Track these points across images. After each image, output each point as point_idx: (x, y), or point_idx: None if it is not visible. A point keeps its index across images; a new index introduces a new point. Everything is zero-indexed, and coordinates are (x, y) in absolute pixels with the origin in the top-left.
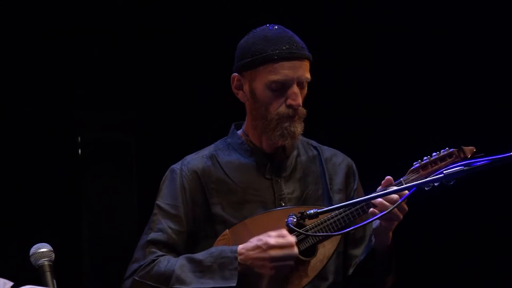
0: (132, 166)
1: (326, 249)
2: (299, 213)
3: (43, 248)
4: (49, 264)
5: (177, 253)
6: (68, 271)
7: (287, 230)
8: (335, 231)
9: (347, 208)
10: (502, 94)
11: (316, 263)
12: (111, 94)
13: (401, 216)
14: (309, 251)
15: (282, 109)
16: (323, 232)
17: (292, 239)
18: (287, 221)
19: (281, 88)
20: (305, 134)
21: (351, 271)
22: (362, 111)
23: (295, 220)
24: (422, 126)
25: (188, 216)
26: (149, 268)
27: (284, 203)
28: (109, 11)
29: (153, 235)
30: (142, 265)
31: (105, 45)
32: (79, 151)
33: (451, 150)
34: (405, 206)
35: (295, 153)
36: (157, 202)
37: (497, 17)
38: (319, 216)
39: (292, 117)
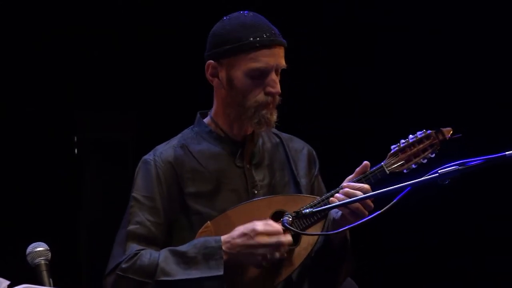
0: (130, 166)
1: (309, 237)
2: (294, 212)
3: (40, 247)
4: (46, 263)
5: (157, 246)
6: (66, 270)
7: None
8: (314, 222)
9: (324, 203)
10: (502, 94)
11: (300, 251)
12: (110, 94)
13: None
14: (293, 240)
15: (261, 96)
16: (307, 223)
17: (279, 226)
18: (282, 221)
19: (260, 76)
20: (305, 133)
21: (312, 253)
22: (361, 111)
23: (290, 219)
24: (420, 125)
25: (165, 208)
26: (132, 262)
27: (257, 190)
28: (109, 11)
29: (131, 228)
30: (123, 259)
31: (104, 45)
32: (76, 150)
33: (428, 132)
34: (371, 204)
35: (260, 140)
36: (133, 194)
37: (495, 17)
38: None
39: (269, 105)
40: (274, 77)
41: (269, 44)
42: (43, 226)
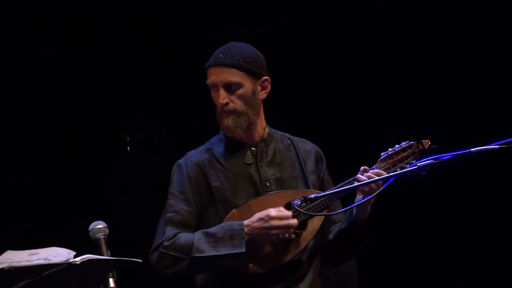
0: (166, 164)
1: (314, 223)
2: (302, 197)
3: (100, 224)
4: (104, 238)
5: (190, 229)
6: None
7: (292, 210)
8: (321, 210)
9: (334, 192)
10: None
11: (306, 235)
12: (158, 104)
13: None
14: (301, 226)
15: (217, 108)
16: (314, 210)
17: (289, 212)
18: (293, 203)
19: (215, 90)
20: (303, 132)
21: (331, 236)
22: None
23: (299, 202)
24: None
25: (195, 200)
26: (171, 241)
27: (269, 183)
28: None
29: (169, 216)
30: (164, 239)
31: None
32: (128, 148)
33: (411, 142)
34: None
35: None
36: (170, 190)
37: (493, 17)
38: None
39: (221, 114)
40: (220, 92)
41: (212, 65)
42: (101, 208)
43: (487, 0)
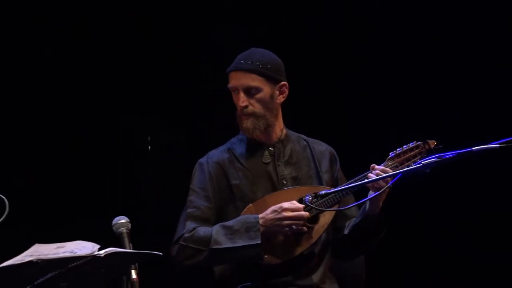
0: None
1: (326, 217)
2: (313, 193)
3: (122, 219)
4: (127, 232)
5: (209, 224)
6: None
7: (304, 205)
8: (332, 205)
9: (343, 188)
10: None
11: (318, 228)
12: (152, 100)
13: (387, 190)
14: (313, 220)
15: (237, 110)
16: (325, 205)
17: (301, 205)
18: (304, 199)
19: (236, 94)
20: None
21: (346, 231)
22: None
23: (310, 198)
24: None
25: (215, 196)
26: (191, 234)
27: (285, 181)
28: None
29: (190, 211)
30: (184, 232)
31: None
32: (149, 147)
33: (418, 142)
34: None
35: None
36: (191, 186)
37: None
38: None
39: (240, 116)
40: (241, 95)
41: (232, 69)
42: (121, 204)
43: (487, 0)
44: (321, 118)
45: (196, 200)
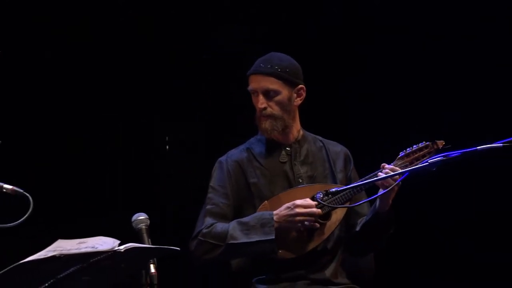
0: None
1: (338, 214)
2: (324, 190)
3: (141, 216)
4: (146, 228)
5: (226, 220)
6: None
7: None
8: (344, 202)
9: (354, 186)
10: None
11: (330, 224)
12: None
13: (396, 188)
14: (325, 216)
15: (257, 112)
16: (337, 202)
17: (313, 202)
18: (315, 196)
19: (255, 96)
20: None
21: (358, 228)
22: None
23: (321, 195)
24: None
25: (233, 194)
26: (209, 230)
27: (301, 179)
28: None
29: (208, 208)
30: (202, 228)
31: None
32: (167, 147)
33: (427, 143)
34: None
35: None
36: (211, 184)
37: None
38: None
39: (259, 117)
40: (260, 97)
41: (252, 72)
42: (141, 202)
43: (487, 0)
44: (321, 118)
45: (215, 197)
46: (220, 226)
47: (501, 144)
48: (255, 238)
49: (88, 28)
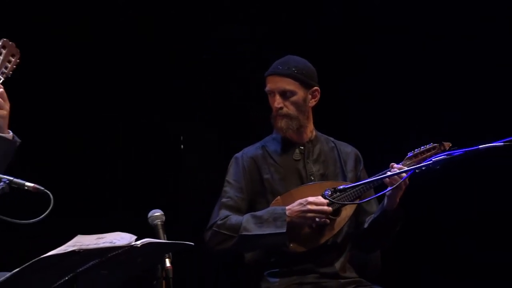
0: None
1: (347, 210)
2: (332, 188)
3: (157, 212)
4: (162, 224)
5: (241, 213)
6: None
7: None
8: (353, 199)
9: (363, 184)
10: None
11: (340, 220)
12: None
13: (403, 187)
14: (335, 213)
15: (273, 111)
16: (347, 199)
17: (325, 200)
18: (324, 194)
19: (272, 96)
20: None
21: (366, 225)
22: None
23: (330, 192)
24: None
25: (248, 188)
26: (223, 221)
27: (313, 177)
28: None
29: (224, 201)
30: (217, 220)
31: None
32: (182, 146)
33: (434, 144)
34: (406, 181)
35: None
36: (226, 178)
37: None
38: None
39: (275, 117)
40: (276, 97)
41: (270, 74)
42: (158, 198)
43: (487, 0)
44: (321, 118)
45: (230, 191)
46: (235, 218)
47: (502, 143)
48: (267, 231)
49: (88, 28)
